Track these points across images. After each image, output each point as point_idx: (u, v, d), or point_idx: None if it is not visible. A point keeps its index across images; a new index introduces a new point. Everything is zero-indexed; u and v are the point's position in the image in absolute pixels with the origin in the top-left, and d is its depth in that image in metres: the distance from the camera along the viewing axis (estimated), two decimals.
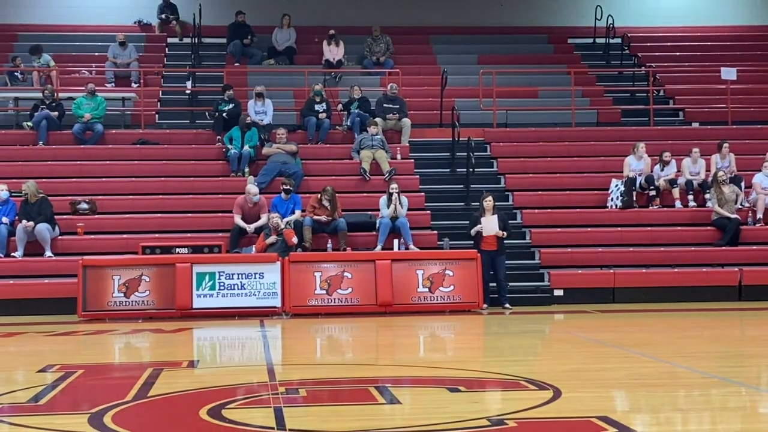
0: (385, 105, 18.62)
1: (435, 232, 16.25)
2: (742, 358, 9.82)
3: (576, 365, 9.15)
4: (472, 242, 15.01)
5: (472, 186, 17.20)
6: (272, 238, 14.97)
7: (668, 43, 23.46)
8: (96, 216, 16.41)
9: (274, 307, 14.37)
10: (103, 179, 17.30)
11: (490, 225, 14.77)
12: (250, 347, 11.71)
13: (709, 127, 19.64)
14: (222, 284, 14.36)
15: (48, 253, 15.37)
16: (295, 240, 15.02)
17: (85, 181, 17.21)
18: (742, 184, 17.27)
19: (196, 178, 17.40)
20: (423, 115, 19.44)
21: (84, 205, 16.43)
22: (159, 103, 20.16)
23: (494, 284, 14.96)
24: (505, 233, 14.88)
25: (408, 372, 9.12)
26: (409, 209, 16.07)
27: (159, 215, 16.51)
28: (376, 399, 7.40)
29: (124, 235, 15.94)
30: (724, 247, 16.39)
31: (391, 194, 15.91)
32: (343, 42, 21.08)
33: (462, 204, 17.19)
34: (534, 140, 18.92)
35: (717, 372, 8.61)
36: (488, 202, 14.98)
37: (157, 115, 19.73)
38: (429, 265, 14.77)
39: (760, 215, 16.84)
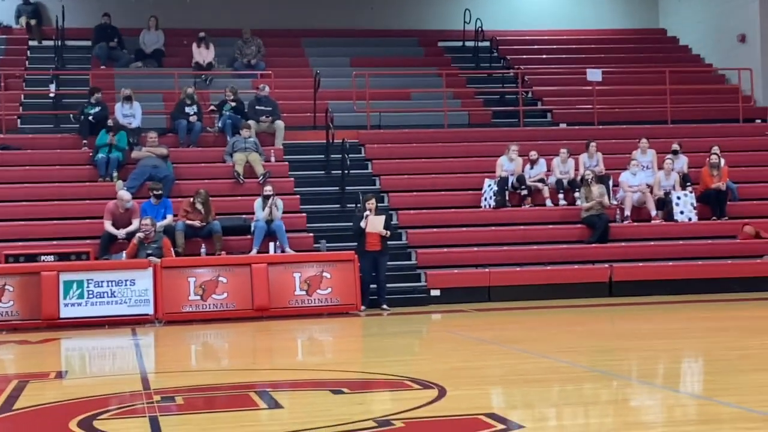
0: (257, 107, 18.34)
1: (311, 234, 16.08)
2: (619, 352, 9.97)
3: (458, 363, 9.11)
4: (356, 243, 14.91)
5: (347, 188, 17.09)
6: (141, 234, 14.46)
7: (536, 46, 23.84)
8: None
9: (147, 315, 13.93)
10: None
11: (375, 222, 14.72)
12: (122, 356, 11.30)
13: (576, 127, 20.02)
14: (91, 292, 13.84)
15: None
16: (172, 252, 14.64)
17: None
18: (610, 182, 17.63)
19: (62, 184, 16.78)
20: (296, 117, 19.23)
21: None
22: (21, 107, 19.38)
23: (374, 285, 14.88)
24: (388, 232, 14.85)
25: (288, 376, 8.92)
26: (284, 212, 15.85)
27: (23, 222, 15.87)
28: (256, 404, 7.18)
29: None
30: (594, 245, 16.70)
31: (266, 197, 15.67)
32: (213, 44, 20.69)
33: (338, 206, 17.07)
34: (408, 141, 18.95)
35: (597, 366, 8.69)
36: (371, 203, 14.92)
37: (19, 120, 18.96)
38: (306, 267, 14.58)
39: (627, 212, 17.22)
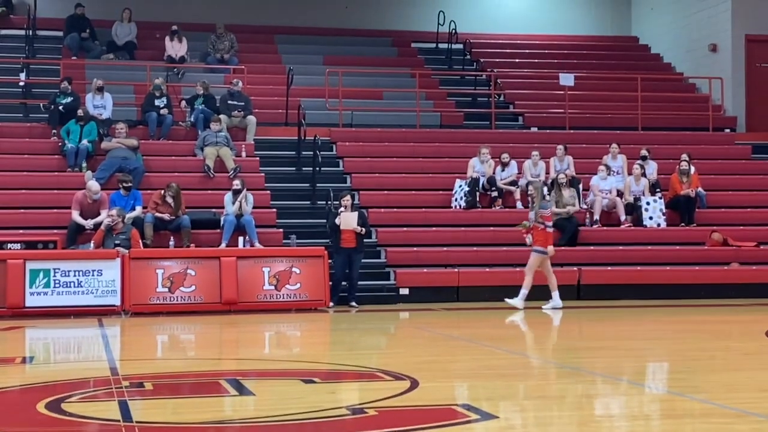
0: (229, 102, 18.25)
1: (281, 230, 16.01)
2: (589, 350, 9.97)
3: (430, 357, 9.08)
4: (326, 240, 14.85)
5: (318, 185, 17.03)
6: (108, 219, 14.33)
7: (509, 50, 23.91)
8: None
9: (113, 306, 13.80)
10: None
11: (349, 219, 14.69)
12: (89, 345, 11.16)
13: (547, 131, 20.09)
14: (57, 282, 13.68)
15: None
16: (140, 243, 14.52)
17: None
18: (581, 186, 17.70)
19: (31, 173, 16.60)
20: (268, 113, 19.14)
21: None
22: None
23: (345, 282, 14.84)
24: (363, 230, 14.82)
25: (258, 366, 8.85)
26: (254, 207, 15.77)
27: None
28: (227, 391, 7.11)
29: None
30: (563, 247, 16.73)
31: (235, 192, 15.58)
32: (186, 38, 20.57)
33: (308, 203, 17.02)
34: (379, 140, 18.92)
35: (568, 363, 8.69)
36: (346, 200, 14.90)
37: None
38: (275, 262, 14.50)
39: (597, 216, 17.29)
